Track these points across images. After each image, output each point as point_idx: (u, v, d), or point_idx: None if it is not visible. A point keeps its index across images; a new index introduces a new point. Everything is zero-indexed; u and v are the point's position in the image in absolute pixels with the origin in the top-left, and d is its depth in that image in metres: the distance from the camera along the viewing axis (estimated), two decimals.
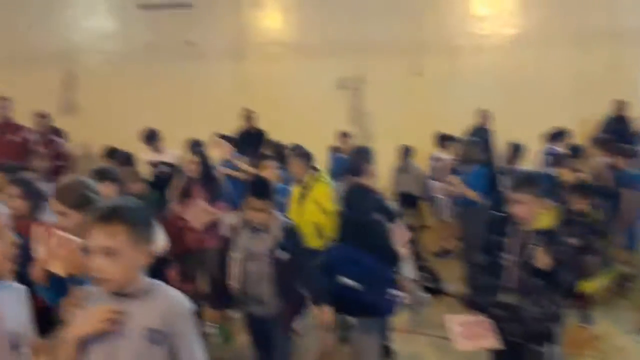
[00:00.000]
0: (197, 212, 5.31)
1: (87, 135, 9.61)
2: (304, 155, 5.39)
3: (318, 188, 5.20)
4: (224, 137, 7.55)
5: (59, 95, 10.44)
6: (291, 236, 3.88)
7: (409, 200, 8.42)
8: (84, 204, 2.82)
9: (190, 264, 5.02)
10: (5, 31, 10.35)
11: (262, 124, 9.41)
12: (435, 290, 6.33)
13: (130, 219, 1.99)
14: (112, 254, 1.94)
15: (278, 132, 8.59)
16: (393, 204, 5.10)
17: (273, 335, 3.87)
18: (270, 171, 5.80)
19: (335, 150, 8.97)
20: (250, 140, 8.32)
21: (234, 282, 3.84)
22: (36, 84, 10.01)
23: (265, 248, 3.82)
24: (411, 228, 8.10)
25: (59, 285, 2.62)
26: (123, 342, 1.96)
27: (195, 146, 6.62)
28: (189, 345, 2.06)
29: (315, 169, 5.40)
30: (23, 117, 8.76)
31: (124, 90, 10.23)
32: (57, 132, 9.12)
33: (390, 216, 4.48)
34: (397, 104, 9.93)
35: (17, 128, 7.90)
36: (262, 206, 3.82)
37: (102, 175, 3.77)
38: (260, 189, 3.91)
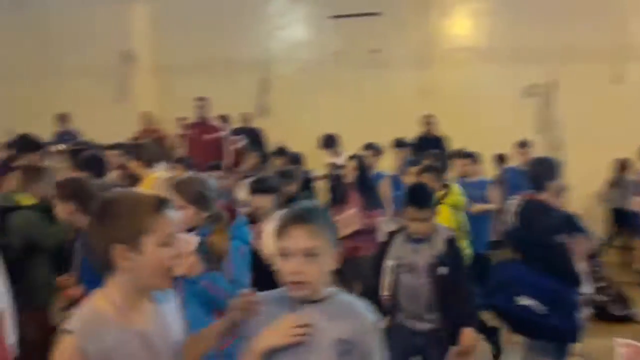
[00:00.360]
0: (346, 220, 5.22)
1: (279, 136, 10.14)
2: (435, 170, 5.10)
3: (441, 209, 4.78)
4: (400, 142, 7.53)
5: (255, 99, 11.19)
6: (452, 249, 3.58)
7: (622, 217, 7.82)
8: (200, 200, 2.94)
9: (345, 272, 5.06)
10: (209, 38, 11.30)
11: (446, 131, 9.25)
12: (622, 316, 5.76)
13: (325, 220, 1.95)
14: (312, 255, 1.86)
15: (461, 139, 8.40)
16: (580, 221, 4.64)
17: (427, 353, 3.64)
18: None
19: (500, 159, 8.40)
20: (428, 147, 8.22)
21: (385, 291, 3.63)
22: (236, 88, 10.84)
23: (425, 261, 3.56)
24: (608, 247, 7.53)
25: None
26: (311, 354, 1.86)
27: (368, 148, 6.61)
28: (376, 357, 1.95)
29: (446, 186, 5.12)
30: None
31: (314, 96, 10.67)
32: (255, 133, 9.76)
33: (579, 233, 4.09)
34: (593, 113, 9.11)
35: (213, 128, 8.16)
36: (422, 216, 3.56)
37: (258, 186, 3.91)
38: (419, 197, 3.63)
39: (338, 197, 5.62)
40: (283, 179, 4.77)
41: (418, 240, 3.61)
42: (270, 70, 11.22)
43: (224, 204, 3.14)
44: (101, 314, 1.77)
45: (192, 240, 2.69)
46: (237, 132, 9.81)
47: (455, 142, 8.55)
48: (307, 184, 6.22)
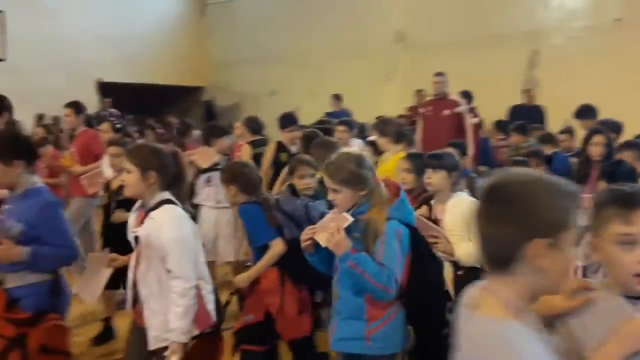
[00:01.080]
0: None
1: (550, 112, 9.63)
2: (637, 147, 4.36)
3: None
4: None
5: (522, 73, 10.77)
6: None
7: None
8: (353, 180, 2.72)
9: None
10: (474, 12, 11.16)
11: None
12: None
13: None
14: None
15: None
16: None
17: None
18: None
19: None
20: None
21: None
22: (502, 62, 10.58)
23: None
24: None
25: (323, 257, 2.80)
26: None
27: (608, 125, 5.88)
28: None
29: None
30: (486, 96, 9.45)
31: (590, 68, 9.91)
32: (537, 110, 9.41)
33: None
34: None
35: (452, 103, 7.84)
36: None
37: (431, 162, 3.81)
38: (613, 175, 3.04)
39: (578, 175, 5.06)
40: (531, 157, 4.59)
41: None
42: (540, 42, 10.69)
43: (386, 180, 2.92)
44: (522, 328, 1.46)
45: (346, 217, 2.65)
46: (516, 109, 9.53)
47: None
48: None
